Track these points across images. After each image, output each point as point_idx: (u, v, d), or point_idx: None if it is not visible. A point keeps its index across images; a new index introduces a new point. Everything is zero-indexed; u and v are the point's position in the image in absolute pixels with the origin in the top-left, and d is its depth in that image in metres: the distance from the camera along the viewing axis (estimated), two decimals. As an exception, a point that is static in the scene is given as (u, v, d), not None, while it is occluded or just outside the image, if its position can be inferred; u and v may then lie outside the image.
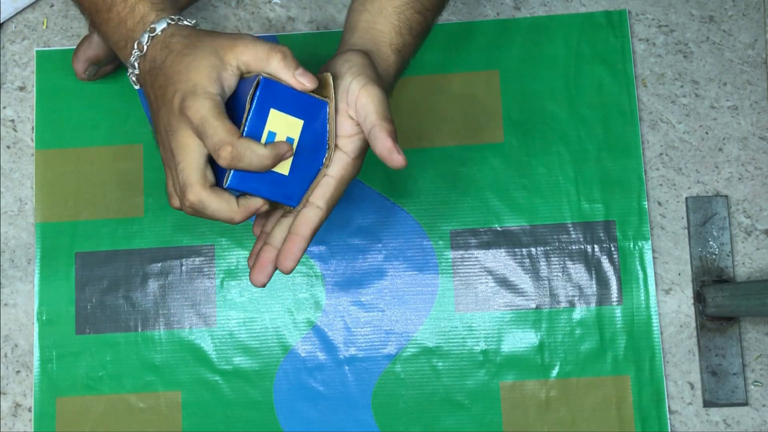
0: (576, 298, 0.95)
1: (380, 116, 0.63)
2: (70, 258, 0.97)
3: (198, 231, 0.97)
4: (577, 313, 0.95)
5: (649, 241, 0.96)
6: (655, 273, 0.96)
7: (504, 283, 0.96)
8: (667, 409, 0.93)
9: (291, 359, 0.95)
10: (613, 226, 0.96)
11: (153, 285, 0.97)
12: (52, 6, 1.02)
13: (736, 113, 0.98)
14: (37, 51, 1.01)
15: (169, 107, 0.62)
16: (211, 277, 0.97)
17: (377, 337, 0.95)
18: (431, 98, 0.99)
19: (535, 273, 0.96)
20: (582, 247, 0.96)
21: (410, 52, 0.73)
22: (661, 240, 0.96)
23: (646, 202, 0.96)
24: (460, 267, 0.96)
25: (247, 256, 0.92)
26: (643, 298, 0.95)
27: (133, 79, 0.67)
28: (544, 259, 0.96)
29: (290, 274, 0.96)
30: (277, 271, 0.96)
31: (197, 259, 0.97)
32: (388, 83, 0.70)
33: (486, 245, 0.96)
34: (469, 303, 0.96)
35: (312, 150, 0.64)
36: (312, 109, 0.64)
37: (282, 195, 0.64)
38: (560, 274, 0.96)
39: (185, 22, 0.65)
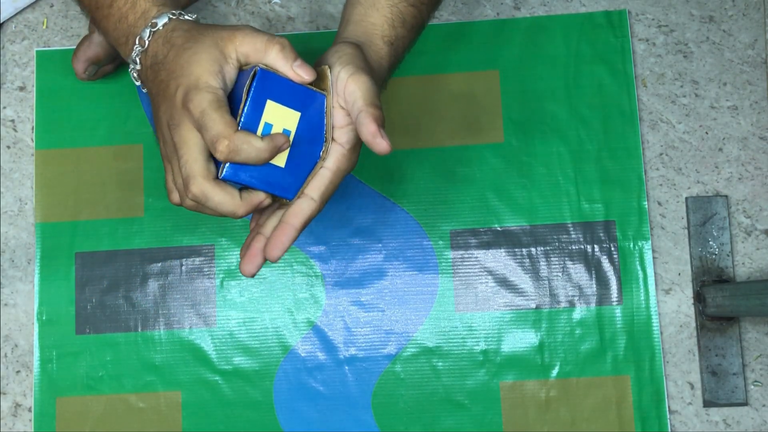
0: (576, 298, 0.95)
1: (367, 102, 0.63)
2: (70, 258, 0.97)
3: (198, 231, 0.97)
4: (577, 313, 0.95)
5: (649, 241, 0.96)
6: (655, 273, 0.96)
7: (504, 283, 0.96)
8: (667, 409, 0.93)
9: (291, 359, 0.95)
10: (613, 226, 0.96)
11: (153, 285, 0.97)
12: (52, 6, 1.02)
13: (736, 113, 0.98)
14: (37, 51, 1.01)
15: (171, 101, 0.62)
16: (211, 277, 0.97)
17: (377, 337, 0.95)
18: (431, 98, 0.99)
19: (535, 273, 0.96)
20: (582, 247, 0.96)
21: (404, 45, 0.73)
22: (661, 240, 0.96)
23: (646, 202, 0.96)
24: (460, 267, 0.96)
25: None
26: (643, 298, 0.95)
27: (135, 74, 0.67)
28: (544, 259, 0.96)
29: (290, 274, 0.96)
30: (277, 271, 0.96)
31: (197, 259, 0.97)
32: (381, 76, 0.70)
33: (486, 245, 0.96)
34: (469, 303, 0.96)
35: (309, 142, 0.64)
36: (309, 101, 0.64)
37: (278, 187, 0.64)
38: (560, 274, 0.96)
39: (186, 17, 0.65)
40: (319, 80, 0.65)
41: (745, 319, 0.94)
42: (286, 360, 0.95)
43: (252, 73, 0.61)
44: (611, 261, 0.96)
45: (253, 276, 0.66)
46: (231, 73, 0.62)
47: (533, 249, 0.96)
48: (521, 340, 0.95)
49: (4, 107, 1.00)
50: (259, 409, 0.94)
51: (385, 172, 0.98)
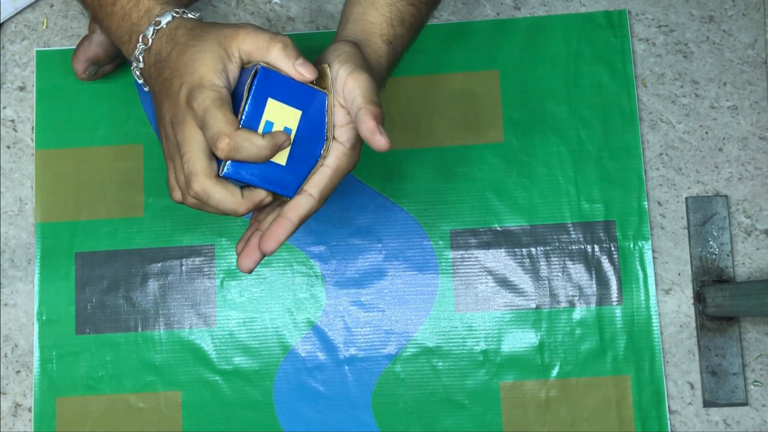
0: (576, 298, 0.95)
1: (366, 99, 0.63)
2: (70, 258, 0.97)
3: (198, 231, 0.97)
4: (577, 313, 0.95)
5: (649, 241, 0.96)
6: (655, 273, 0.96)
7: (504, 283, 0.96)
8: (667, 409, 0.93)
9: (291, 359, 0.95)
10: (613, 226, 0.96)
11: (153, 285, 0.97)
12: (52, 6, 1.02)
13: (736, 113, 0.98)
14: (37, 51, 1.01)
15: (175, 100, 0.62)
16: (211, 277, 0.97)
17: (377, 337, 0.95)
18: (431, 98, 0.99)
19: (535, 273, 0.96)
20: (582, 247, 0.96)
21: (403, 44, 0.73)
22: (661, 240, 0.96)
23: (646, 202, 0.96)
24: (460, 267, 0.96)
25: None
26: (643, 298, 0.95)
27: (137, 73, 0.67)
28: (544, 259, 0.96)
29: (290, 274, 0.96)
30: (277, 271, 0.96)
31: (197, 259, 0.97)
32: (380, 74, 0.70)
33: (486, 245, 0.96)
34: (469, 303, 0.96)
35: (310, 141, 0.64)
36: (310, 99, 0.64)
37: (279, 185, 0.64)
38: (560, 274, 0.96)
39: (190, 15, 0.66)
40: (319, 79, 0.65)
41: (745, 319, 0.94)
42: (286, 360, 0.95)
43: (253, 71, 0.62)
44: (611, 261, 0.96)
45: (250, 272, 0.66)
46: (234, 71, 0.62)
47: (533, 249, 0.96)
48: (521, 340, 0.95)
49: (4, 107, 1.00)
50: (259, 409, 0.94)
51: (385, 171, 0.98)
